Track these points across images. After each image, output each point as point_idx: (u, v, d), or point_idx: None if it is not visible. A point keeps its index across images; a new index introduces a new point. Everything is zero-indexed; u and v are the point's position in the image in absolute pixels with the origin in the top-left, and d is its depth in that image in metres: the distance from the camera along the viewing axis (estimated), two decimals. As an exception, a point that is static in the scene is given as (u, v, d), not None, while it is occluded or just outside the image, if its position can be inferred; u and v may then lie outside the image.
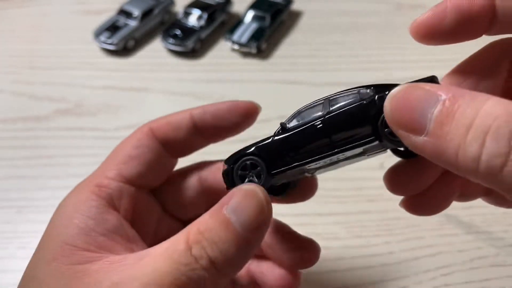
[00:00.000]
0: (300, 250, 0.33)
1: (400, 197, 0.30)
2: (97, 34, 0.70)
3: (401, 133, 0.21)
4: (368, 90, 0.25)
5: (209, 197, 0.34)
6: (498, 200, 0.30)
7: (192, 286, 0.23)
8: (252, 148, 0.27)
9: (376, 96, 0.24)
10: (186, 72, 0.67)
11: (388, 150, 0.27)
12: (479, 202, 0.49)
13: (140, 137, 0.32)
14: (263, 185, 0.26)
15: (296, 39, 0.73)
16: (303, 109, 0.27)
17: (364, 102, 0.25)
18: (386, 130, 0.24)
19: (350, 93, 0.25)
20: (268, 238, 0.33)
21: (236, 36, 0.69)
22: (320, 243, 0.46)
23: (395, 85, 0.23)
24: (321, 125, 0.25)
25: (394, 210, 0.50)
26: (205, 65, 0.68)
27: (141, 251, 0.25)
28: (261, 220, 0.24)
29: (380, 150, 0.26)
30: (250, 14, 0.73)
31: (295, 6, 0.78)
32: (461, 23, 0.24)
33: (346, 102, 0.25)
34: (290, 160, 0.26)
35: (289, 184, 0.32)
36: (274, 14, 0.73)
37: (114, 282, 0.23)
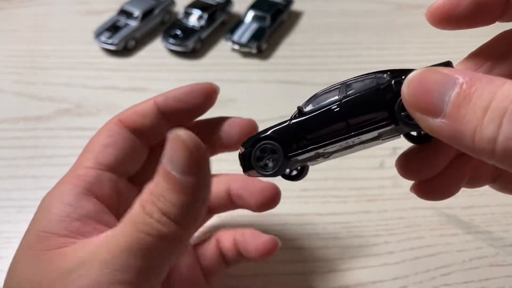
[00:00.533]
0: (263, 192, 0.36)
1: (410, 182, 0.29)
2: (98, 34, 0.70)
3: (418, 116, 0.21)
4: (384, 75, 0.25)
5: None
6: (504, 186, 0.30)
7: (155, 243, 0.24)
8: (269, 132, 0.28)
9: (393, 81, 0.25)
10: (186, 72, 0.67)
11: (402, 136, 0.27)
12: (479, 202, 0.49)
13: (111, 127, 0.33)
14: (279, 169, 0.27)
15: (296, 39, 0.73)
16: (320, 93, 0.27)
17: (381, 86, 0.25)
18: (402, 113, 0.24)
19: (366, 78, 0.26)
20: (236, 189, 0.37)
21: (236, 36, 0.69)
22: (320, 243, 0.46)
23: (410, 70, 0.23)
24: (337, 108, 0.26)
25: (394, 210, 0.51)
26: (205, 65, 0.68)
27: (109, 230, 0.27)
28: (192, 161, 0.25)
29: (395, 135, 0.26)
30: (250, 14, 0.73)
31: (296, 6, 0.78)
32: (476, 9, 0.24)
33: (363, 86, 0.25)
34: (306, 144, 0.27)
35: (304, 168, 0.32)
36: (275, 14, 0.73)
37: (81, 256, 0.25)
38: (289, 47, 0.71)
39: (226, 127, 0.36)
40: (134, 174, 0.35)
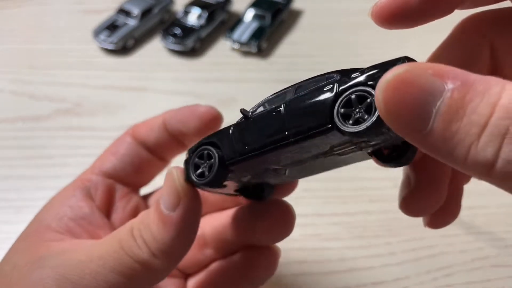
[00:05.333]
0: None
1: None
2: (97, 33, 0.70)
3: (397, 129, 0.17)
4: (334, 75, 0.21)
5: None
6: None
7: (131, 264, 0.25)
8: (211, 137, 0.26)
9: (339, 79, 0.21)
10: (186, 71, 0.67)
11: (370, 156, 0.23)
12: (480, 202, 0.49)
13: (123, 136, 0.35)
14: (215, 177, 0.25)
15: (296, 39, 0.73)
16: (270, 97, 0.24)
17: (326, 86, 0.21)
18: (341, 113, 0.20)
19: (318, 79, 0.22)
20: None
21: (236, 35, 0.69)
22: (321, 243, 0.46)
23: (359, 69, 0.20)
24: (277, 112, 0.22)
25: (395, 210, 0.50)
26: (205, 64, 0.68)
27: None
28: (177, 198, 0.26)
29: (351, 149, 0.22)
30: (250, 13, 0.72)
31: (296, 5, 0.78)
32: (428, 1, 0.21)
33: (311, 88, 0.22)
34: (245, 151, 0.23)
35: (263, 187, 0.30)
36: (275, 13, 0.72)
37: (63, 248, 0.27)
38: (289, 46, 0.71)
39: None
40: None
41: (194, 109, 0.33)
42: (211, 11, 0.72)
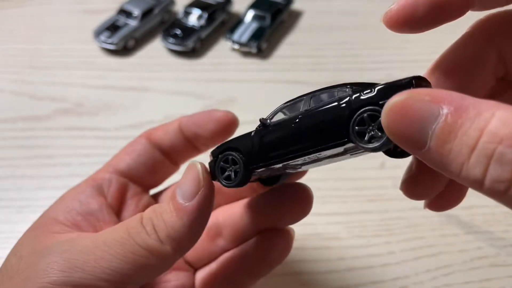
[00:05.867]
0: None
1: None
2: (97, 33, 0.70)
3: (401, 146, 0.20)
4: (346, 89, 0.24)
5: None
6: None
7: (136, 249, 0.26)
8: (234, 143, 0.28)
9: (352, 97, 0.23)
10: (186, 71, 0.67)
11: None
12: (479, 202, 0.49)
13: (138, 138, 0.36)
14: (241, 181, 0.27)
15: (296, 39, 0.73)
16: (285, 106, 0.27)
17: (340, 102, 0.23)
18: (356, 131, 0.22)
19: (330, 90, 0.25)
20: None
21: (236, 35, 0.69)
22: (321, 243, 0.46)
23: (372, 84, 0.22)
24: (296, 123, 0.25)
25: (395, 210, 0.51)
26: (205, 64, 0.68)
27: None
28: (197, 190, 0.26)
29: (361, 151, 0.25)
30: (250, 14, 0.73)
31: (296, 5, 0.78)
32: (435, 7, 0.23)
33: (325, 100, 0.24)
34: (267, 157, 0.26)
35: (280, 176, 0.32)
36: (275, 14, 0.72)
37: (69, 237, 0.28)
38: (289, 47, 0.71)
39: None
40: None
41: (211, 114, 0.34)
42: (211, 12, 0.73)
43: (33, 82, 0.65)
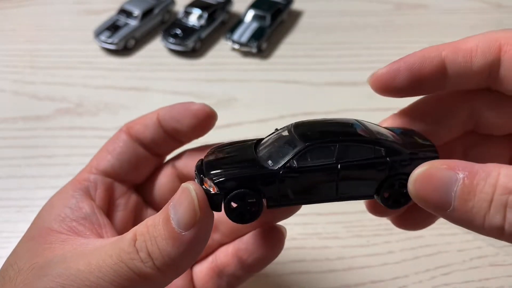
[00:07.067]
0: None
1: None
2: (98, 33, 0.70)
3: (428, 209, 0.24)
4: (382, 150, 0.26)
5: None
6: None
7: (131, 276, 0.25)
8: (256, 178, 0.26)
9: (389, 163, 0.26)
10: (186, 71, 0.67)
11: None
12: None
13: (118, 134, 0.35)
14: (254, 219, 0.26)
15: (296, 39, 0.73)
16: (313, 148, 0.26)
17: (378, 163, 0.26)
18: (386, 194, 0.27)
19: (363, 145, 0.26)
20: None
21: (236, 35, 0.69)
22: (320, 242, 0.46)
23: (403, 152, 0.26)
24: (332, 173, 0.26)
25: (394, 209, 0.51)
26: (205, 64, 0.68)
27: (103, 239, 0.29)
28: (193, 219, 0.25)
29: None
30: (250, 14, 0.73)
31: (296, 5, 0.78)
32: (413, 82, 0.27)
33: (360, 155, 0.26)
34: (292, 199, 0.27)
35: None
36: (275, 14, 0.73)
37: (64, 254, 0.27)
38: (289, 47, 0.71)
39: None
40: (143, 184, 0.36)
41: (187, 107, 0.33)
42: (212, 12, 0.73)
43: (33, 82, 0.65)
